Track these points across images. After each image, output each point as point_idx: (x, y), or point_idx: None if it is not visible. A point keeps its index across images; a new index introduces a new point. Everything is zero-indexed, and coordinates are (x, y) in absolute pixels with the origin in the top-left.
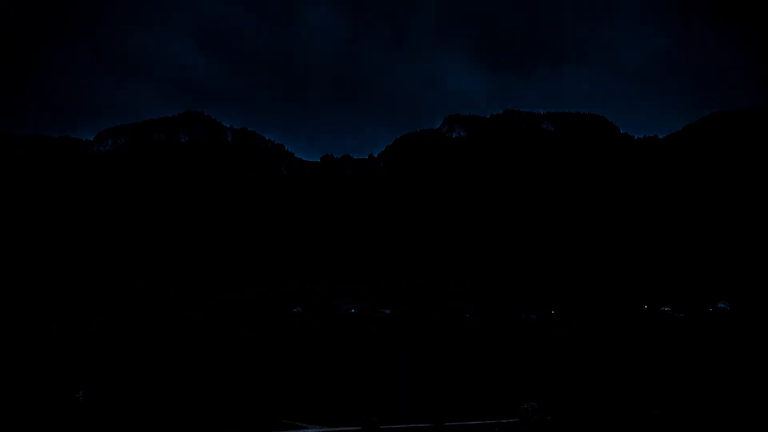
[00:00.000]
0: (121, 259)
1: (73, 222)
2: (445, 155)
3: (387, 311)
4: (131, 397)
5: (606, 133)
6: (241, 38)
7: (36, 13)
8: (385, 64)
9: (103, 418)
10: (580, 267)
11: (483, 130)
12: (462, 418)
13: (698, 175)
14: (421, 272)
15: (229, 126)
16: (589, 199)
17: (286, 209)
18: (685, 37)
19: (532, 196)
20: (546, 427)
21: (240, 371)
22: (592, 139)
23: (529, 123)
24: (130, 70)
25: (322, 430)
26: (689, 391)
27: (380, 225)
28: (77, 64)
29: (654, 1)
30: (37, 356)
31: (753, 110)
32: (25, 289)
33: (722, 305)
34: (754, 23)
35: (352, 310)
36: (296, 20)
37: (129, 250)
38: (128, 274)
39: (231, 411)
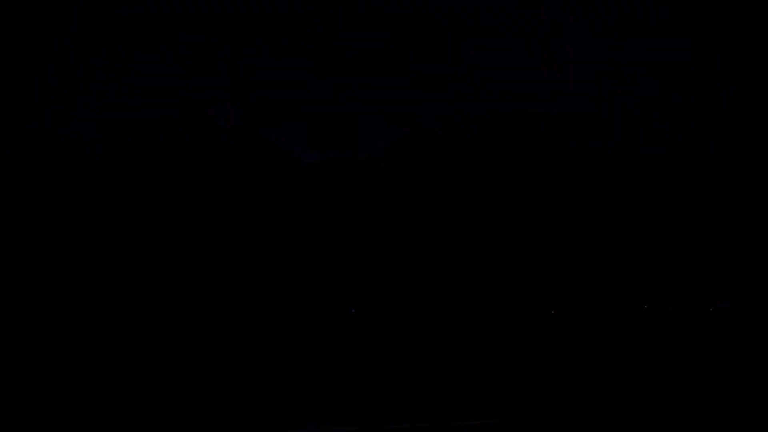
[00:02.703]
0: (121, 260)
1: (72, 222)
2: (445, 155)
3: (387, 311)
4: (132, 397)
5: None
6: None
7: (37, 11)
8: None
9: (103, 418)
10: (580, 267)
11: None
12: (462, 417)
13: (698, 175)
14: (422, 272)
15: (229, 126)
16: (590, 198)
17: (285, 209)
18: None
19: (532, 197)
20: (546, 426)
21: (240, 371)
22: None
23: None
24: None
25: (322, 430)
26: (689, 391)
27: (380, 225)
28: (78, 63)
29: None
30: (37, 356)
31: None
32: (25, 290)
33: (722, 305)
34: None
35: (353, 310)
36: None
37: (128, 251)
38: (128, 275)
39: (231, 411)
